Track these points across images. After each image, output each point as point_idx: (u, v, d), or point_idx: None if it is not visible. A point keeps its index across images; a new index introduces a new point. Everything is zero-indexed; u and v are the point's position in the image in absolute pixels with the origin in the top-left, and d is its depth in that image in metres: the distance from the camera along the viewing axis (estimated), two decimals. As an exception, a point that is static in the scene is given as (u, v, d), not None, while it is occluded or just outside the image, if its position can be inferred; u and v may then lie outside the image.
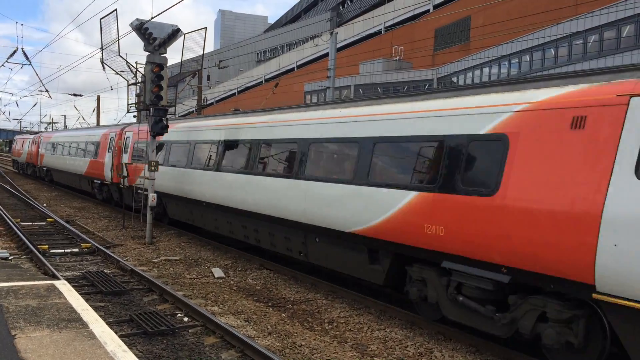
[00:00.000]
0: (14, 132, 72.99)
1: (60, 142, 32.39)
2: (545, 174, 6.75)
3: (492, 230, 7.22)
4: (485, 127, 7.64)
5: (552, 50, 37.33)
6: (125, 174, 19.51)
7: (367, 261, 9.78)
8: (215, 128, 15.21)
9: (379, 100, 10.05)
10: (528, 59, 39.22)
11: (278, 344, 8.05)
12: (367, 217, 9.28)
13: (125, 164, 20.18)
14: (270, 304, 10.20)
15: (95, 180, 25.47)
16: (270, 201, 11.90)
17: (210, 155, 15.05)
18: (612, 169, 6.12)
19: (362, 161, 9.60)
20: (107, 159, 23.41)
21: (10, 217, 18.82)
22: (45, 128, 68.93)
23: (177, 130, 17.59)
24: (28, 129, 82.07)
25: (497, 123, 7.51)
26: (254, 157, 12.94)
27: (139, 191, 18.67)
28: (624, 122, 6.13)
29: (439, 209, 8.03)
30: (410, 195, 8.51)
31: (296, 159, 11.33)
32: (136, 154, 20.26)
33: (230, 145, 14.25)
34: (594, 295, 6.19)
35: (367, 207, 9.29)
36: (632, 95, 6.10)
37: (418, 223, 8.30)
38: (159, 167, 16.68)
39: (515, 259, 6.97)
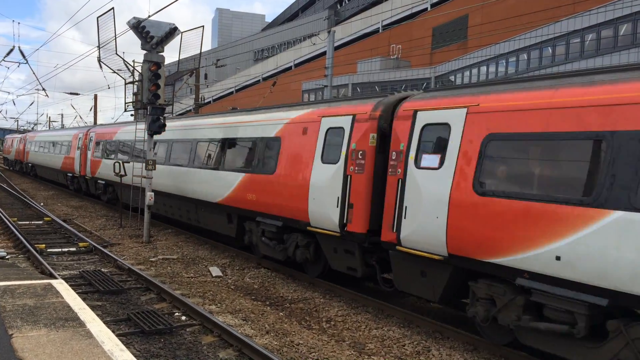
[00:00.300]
0: (11, 131, 73.24)
1: (42, 141, 36.64)
2: (294, 160, 11.60)
3: (274, 195, 12.03)
4: (273, 132, 12.54)
5: (550, 49, 37.38)
6: (122, 172, 19.48)
7: (226, 221, 14.58)
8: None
9: (228, 113, 15.89)
10: (525, 58, 39.27)
11: (276, 343, 8.05)
12: (223, 192, 14.11)
13: (91, 159, 24.93)
14: (267, 303, 10.20)
15: (68, 174, 29.77)
16: (177, 185, 16.70)
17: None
18: (314, 157, 11.00)
19: (218, 154, 14.81)
20: (76, 155, 27.58)
21: (7, 216, 18.78)
22: (32, 128, 73.53)
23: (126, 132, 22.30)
24: (25, 127, 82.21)
25: (277, 130, 12.41)
26: (170, 152, 17.78)
27: (99, 181, 24.51)
28: (318, 131, 11.05)
29: (252, 184, 12.90)
30: (241, 176, 13.41)
31: (190, 153, 16.42)
32: (97, 151, 24.64)
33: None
34: (309, 228, 11.00)
35: (222, 185, 14.11)
36: (323, 116, 11.07)
37: (244, 193, 13.17)
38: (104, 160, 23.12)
39: (285, 212, 11.68)
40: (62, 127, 54.21)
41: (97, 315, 7.09)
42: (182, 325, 8.62)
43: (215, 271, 12.52)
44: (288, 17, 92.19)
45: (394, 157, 9.09)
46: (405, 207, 8.65)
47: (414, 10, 53.55)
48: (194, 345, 7.87)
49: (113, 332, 6.45)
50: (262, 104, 21.27)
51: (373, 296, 10.46)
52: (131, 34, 15.92)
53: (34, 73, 30.64)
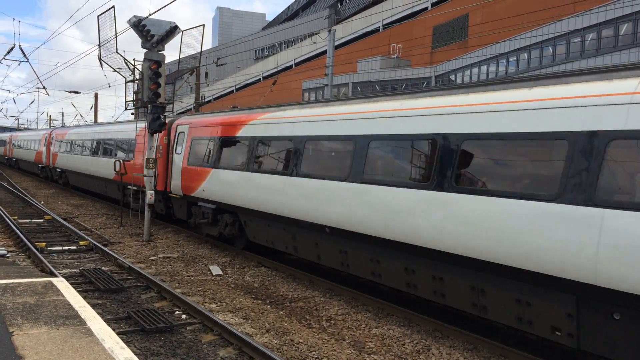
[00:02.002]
0: (12, 129, 73.36)
1: (21, 139, 45.21)
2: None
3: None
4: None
5: (550, 48, 37.36)
6: (121, 170, 19.55)
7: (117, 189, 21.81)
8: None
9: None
10: (526, 57, 39.25)
11: (276, 342, 8.06)
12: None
13: (54, 153, 32.41)
14: (268, 302, 10.21)
15: (39, 165, 37.27)
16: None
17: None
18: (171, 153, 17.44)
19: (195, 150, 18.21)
20: (44, 150, 35.06)
21: (7, 215, 18.79)
22: (17, 128, 78.41)
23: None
24: (26, 126, 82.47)
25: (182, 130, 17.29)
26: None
27: (57, 169, 32.22)
28: (189, 133, 16.40)
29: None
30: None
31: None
32: (56, 147, 32.25)
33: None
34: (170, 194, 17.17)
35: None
36: (182, 125, 17.22)
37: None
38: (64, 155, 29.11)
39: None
40: (84, 123, 48.51)
41: (98, 313, 7.10)
42: (183, 323, 8.63)
43: (216, 270, 12.53)
44: (288, 16, 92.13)
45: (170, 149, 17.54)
46: (172, 173, 16.91)
47: (415, 9, 53.51)
48: (194, 343, 7.88)
49: (113, 330, 6.46)
50: (262, 102, 21.31)
51: (373, 295, 10.47)
52: (132, 32, 15.93)
53: (34, 71, 30.76)
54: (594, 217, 6.08)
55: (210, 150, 14.83)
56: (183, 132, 16.82)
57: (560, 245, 6.39)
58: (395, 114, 9.12)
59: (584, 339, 6.54)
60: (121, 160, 20.00)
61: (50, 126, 69.05)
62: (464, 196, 7.53)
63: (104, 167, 22.91)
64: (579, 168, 6.34)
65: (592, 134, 6.26)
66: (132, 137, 20.89)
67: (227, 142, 14.23)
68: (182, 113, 37.97)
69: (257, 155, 12.82)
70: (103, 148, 24.27)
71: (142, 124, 19.03)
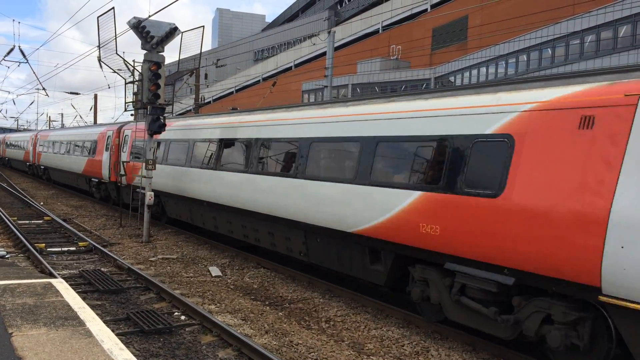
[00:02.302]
0: (11, 130, 73.73)
1: (13, 140, 51.06)
2: None
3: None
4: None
5: (549, 50, 37.42)
6: (121, 170, 19.75)
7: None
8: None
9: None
10: (525, 59, 39.30)
11: (275, 343, 8.06)
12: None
13: (39, 152, 37.43)
14: (267, 303, 10.22)
15: (27, 162, 42.78)
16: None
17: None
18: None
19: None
20: (31, 149, 40.35)
21: (7, 216, 18.79)
22: (17, 129, 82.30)
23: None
24: (25, 127, 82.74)
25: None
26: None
27: (41, 166, 37.38)
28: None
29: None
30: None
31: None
32: (40, 147, 37.30)
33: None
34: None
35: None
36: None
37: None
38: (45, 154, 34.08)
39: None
40: (83, 124, 52.06)
41: (97, 314, 7.10)
42: (182, 324, 8.63)
43: (215, 271, 12.54)
44: (288, 17, 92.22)
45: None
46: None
47: (414, 11, 53.57)
48: (193, 344, 7.88)
49: (112, 331, 6.46)
50: (261, 104, 21.34)
51: (372, 296, 10.47)
52: (131, 33, 15.94)
53: (34, 72, 31.04)
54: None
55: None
56: (127, 135, 21.51)
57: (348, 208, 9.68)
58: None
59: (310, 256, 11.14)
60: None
61: (49, 127, 69.55)
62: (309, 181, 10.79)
63: (75, 163, 28.11)
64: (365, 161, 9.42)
65: (372, 138, 9.38)
66: (95, 138, 25.54)
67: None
68: (182, 114, 38.06)
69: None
70: (74, 147, 28.85)
71: (101, 128, 25.45)
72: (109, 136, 23.90)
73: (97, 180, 24.99)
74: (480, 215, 7.25)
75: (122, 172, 20.23)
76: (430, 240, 8.00)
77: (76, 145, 28.57)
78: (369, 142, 9.43)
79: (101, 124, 29.80)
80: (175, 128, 17.44)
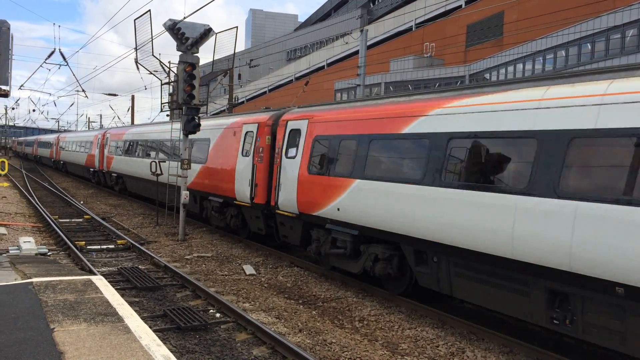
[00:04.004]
0: (52, 131, 76.20)
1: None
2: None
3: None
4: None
5: (589, 45, 36.41)
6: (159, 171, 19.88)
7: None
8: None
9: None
10: (564, 55, 38.35)
11: (309, 341, 8.08)
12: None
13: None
14: (300, 302, 10.24)
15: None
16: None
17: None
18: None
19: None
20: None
21: (49, 214, 19.35)
22: (58, 130, 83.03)
23: None
24: (65, 128, 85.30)
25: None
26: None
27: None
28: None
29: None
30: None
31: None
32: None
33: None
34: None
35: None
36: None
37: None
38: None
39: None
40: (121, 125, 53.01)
41: (135, 311, 7.25)
42: (217, 322, 8.73)
43: (249, 269, 12.64)
44: (321, 16, 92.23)
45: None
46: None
47: (448, 7, 52.88)
48: (228, 342, 7.97)
49: (150, 327, 6.58)
50: (295, 103, 21.40)
51: (406, 297, 10.39)
52: (167, 35, 16.20)
53: (74, 75, 31.50)
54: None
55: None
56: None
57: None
58: None
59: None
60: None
61: (90, 127, 71.21)
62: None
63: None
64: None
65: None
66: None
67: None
68: (216, 114, 38.41)
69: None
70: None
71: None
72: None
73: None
74: None
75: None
76: None
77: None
78: None
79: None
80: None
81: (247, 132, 15.13)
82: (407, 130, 9.50)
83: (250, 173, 14.50)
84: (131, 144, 25.71)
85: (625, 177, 6.27)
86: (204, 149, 17.61)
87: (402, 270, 10.03)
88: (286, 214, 12.75)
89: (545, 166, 7.04)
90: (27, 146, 71.63)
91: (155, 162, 19.70)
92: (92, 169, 33.35)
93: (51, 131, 79.30)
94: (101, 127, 70.25)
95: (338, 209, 10.87)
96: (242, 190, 14.81)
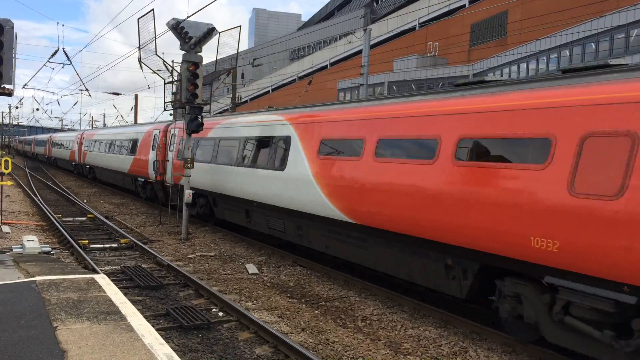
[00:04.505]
0: (56, 130, 77.19)
1: (58, 140, 51.22)
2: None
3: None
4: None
5: (593, 45, 36.31)
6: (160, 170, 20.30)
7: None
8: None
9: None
10: (568, 54, 38.25)
11: (311, 340, 8.08)
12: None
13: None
14: (303, 301, 10.24)
15: (72, 162, 42.91)
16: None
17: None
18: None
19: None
20: (77, 149, 39.90)
21: (52, 213, 19.40)
22: (62, 128, 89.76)
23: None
24: (69, 127, 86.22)
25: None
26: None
27: (146, 180, 33.97)
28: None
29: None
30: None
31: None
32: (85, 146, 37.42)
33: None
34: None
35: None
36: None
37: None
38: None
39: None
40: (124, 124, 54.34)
41: (138, 309, 7.26)
42: (220, 321, 8.74)
43: (252, 268, 12.65)
44: (324, 16, 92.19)
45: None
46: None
47: (452, 7, 52.80)
48: (230, 341, 7.97)
49: (153, 326, 6.59)
50: (297, 102, 21.40)
51: (409, 296, 10.38)
52: (170, 34, 16.22)
53: (77, 74, 31.50)
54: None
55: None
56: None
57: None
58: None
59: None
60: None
61: (92, 127, 72.34)
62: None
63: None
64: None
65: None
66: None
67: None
68: (219, 113, 38.56)
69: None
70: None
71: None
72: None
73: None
74: None
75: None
76: None
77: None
78: None
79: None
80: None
81: (155, 135, 23.06)
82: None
83: (155, 162, 21.91)
84: (97, 142, 34.02)
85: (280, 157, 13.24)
86: (135, 146, 25.61)
87: (211, 211, 18.19)
88: (167, 184, 21.01)
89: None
90: (27, 145, 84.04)
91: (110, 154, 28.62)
92: (73, 162, 42.07)
93: (49, 130, 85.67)
94: (105, 126, 70.94)
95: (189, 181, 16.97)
96: (152, 172, 22.17)
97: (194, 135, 16.78)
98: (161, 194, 22.21)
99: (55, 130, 78.11)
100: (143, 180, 24.23)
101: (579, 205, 6.50)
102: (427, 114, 9.13)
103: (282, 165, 12.88)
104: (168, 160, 20.87)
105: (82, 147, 37.43)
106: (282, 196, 12.82)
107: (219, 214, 17.39)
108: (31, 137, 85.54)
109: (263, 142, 14.31)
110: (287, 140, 13.02)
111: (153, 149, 22.68)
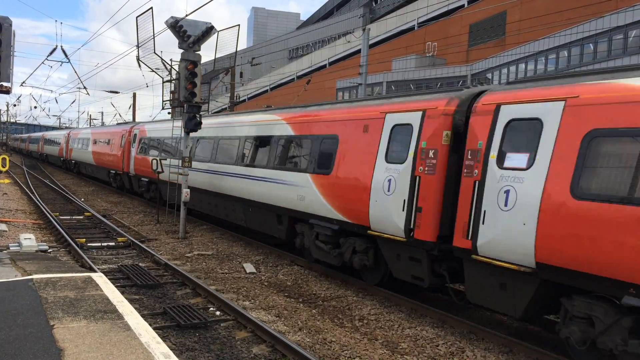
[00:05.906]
0: (54, 128, 78.06)
1: (49, 137, 56.76)
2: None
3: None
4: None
5: (591, 46, 36.35)
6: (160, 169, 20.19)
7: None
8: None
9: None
10: (566, 55, 38.30)
11: (308, 340, 8.08)
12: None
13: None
14: (300, 300, 10.24)
15: (61, 158, 48.04)
16: None
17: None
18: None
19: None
20: (64, 146, 45.38)
21: (49, 211, 19.36)
22: (59, 127, 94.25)
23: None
24: (67, 125, 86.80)
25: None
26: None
27: (72, 161, 42.86)
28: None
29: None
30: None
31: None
32: (71, 144, 42.45)
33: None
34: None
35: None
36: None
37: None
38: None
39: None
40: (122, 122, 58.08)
41: (135, 308, 7.25)
42: (217, 320, 8.74)
43: (249, 268, 12.65)
44: (323, 15, 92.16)
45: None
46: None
47: (451, 7, 52.81)
48: (227, 340, 7.97)
49: (150, 325, 6.59)
50: (295, 102, 21.38)
51: (407, 296, 10.39)
52: (169, 33, 16.20)
53: (75, 72, 31.41)
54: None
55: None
56: (136, 134, 25.18)
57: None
58: None
59: None
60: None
61: (90, 125, 72.88)
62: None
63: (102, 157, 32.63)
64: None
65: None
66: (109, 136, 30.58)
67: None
68: (218, 112, 38.48)
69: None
70: (99, 143, 33.03)
71: (117, 128, 29.78)
72: (123, 135, 28.22)
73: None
74: None
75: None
76: None
77: (100, 141, 33.39)
78: None
79: (121, 123, 38.85)
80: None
81: (122, 135, 27.25)
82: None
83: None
84: (80, 140, 39.19)
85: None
86: (108, 144, 29.85)
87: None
88: (131, 175, 26.20)
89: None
90: (22, 142, 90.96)
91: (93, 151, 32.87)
92: (62, 158, 47.06)
93: (47, 129, 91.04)
94: (103, 124, 71.00)
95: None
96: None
97: (192, 134, 16.78)
98: (128, 183, 27.39)
99: (53, 129, 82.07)
100: (114, 172, 29.22)
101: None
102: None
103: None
104: (131, 156, 25.54)
105: (69, 145, 42.99)
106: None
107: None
108: (26, 135, 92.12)
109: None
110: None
111: (121, 147, 27.47)
